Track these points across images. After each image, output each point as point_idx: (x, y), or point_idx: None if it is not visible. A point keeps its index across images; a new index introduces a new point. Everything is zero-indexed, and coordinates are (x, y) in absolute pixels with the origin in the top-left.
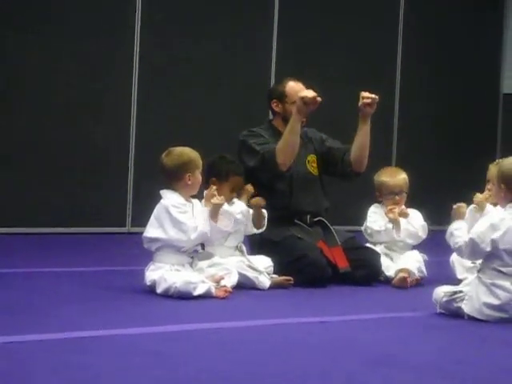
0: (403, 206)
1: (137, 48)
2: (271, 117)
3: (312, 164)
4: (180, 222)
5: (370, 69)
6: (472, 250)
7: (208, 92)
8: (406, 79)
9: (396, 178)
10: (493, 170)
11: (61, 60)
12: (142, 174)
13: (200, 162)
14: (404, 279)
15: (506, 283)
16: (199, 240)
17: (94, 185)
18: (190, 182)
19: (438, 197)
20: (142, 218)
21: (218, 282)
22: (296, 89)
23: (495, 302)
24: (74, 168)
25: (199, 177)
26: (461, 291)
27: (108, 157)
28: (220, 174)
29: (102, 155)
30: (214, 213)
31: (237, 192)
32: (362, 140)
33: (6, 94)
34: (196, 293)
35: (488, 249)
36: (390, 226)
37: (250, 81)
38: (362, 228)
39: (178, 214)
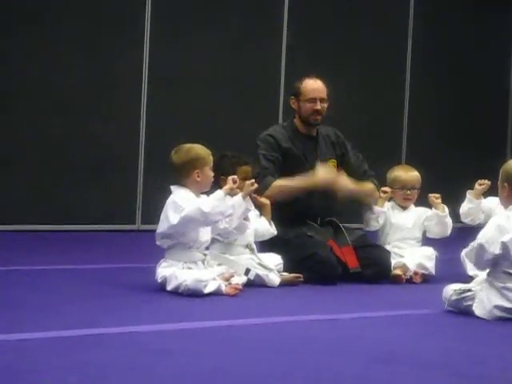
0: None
1: (147, 46)
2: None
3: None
4: (180, 207)
5: (380, 68)
6: (478, 254)
7: (218, 90)
8: (415, 79)
9: (409, 173)
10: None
11: (69, 58)
12: (152, 172)
13: (210, 159)
14: (397, 277)
15: None
16: (193, 217)
17: (104, 182)
18: (199, 179)
19: (448, 195)
20: (151, 216)
21: (228, 279)
22: (311, 87)
23: (507, 304)
24: (85, 166)
25: (210, 173)
26: (470, 290)
27: (118, 154)
28: (227, 171)
29: (111, 153)
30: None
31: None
32: None
33: (12, 93)
34: (206, 291)
35: (497, 251)
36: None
37: (261, 79)
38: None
39: (181, 200)
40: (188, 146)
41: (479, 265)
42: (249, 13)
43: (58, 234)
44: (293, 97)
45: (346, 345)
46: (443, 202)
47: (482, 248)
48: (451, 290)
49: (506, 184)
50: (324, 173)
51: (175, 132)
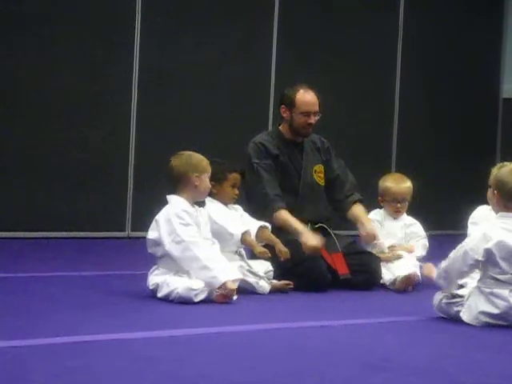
0: (399, 252)
1: (137, 51)
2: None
3: (319, 174)
4: (177, 234)
5: (370, 75)
6: (462, 259)
7: (208, 96)
8: (405, 85)
9: (401, 185)
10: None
11: (59, 63)
12: (142, 179)
13: (209, 168)
14: (408, 278)
15: (504, 291)
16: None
17: (94, 189)
18: (197, 183)
19: (438, 201)
20: (141, 223)
21: (232, 294)
22: (305, 100)
23: (494, 311)
24: (74, 172)
25: (207, 182)
26: (460, 296)
27: (108, 161)
28: (217, 177)
29: (101, 159)
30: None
31: (238, 186)
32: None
33: (3, 97)
34: (197, 299)
35: (480, 258)
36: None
37: (250, 85)
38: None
39: (179, 225)
40: (188, 152)
41: (460, 273)
42: (239, 21)
43: (47, 240)
44: (284, 106)
45: (336, 351)
46: (431, 208)
47: (465, 254)
48: (441, 295)
49: (495, 191)
50: (311, 240)
51: (165, 139)
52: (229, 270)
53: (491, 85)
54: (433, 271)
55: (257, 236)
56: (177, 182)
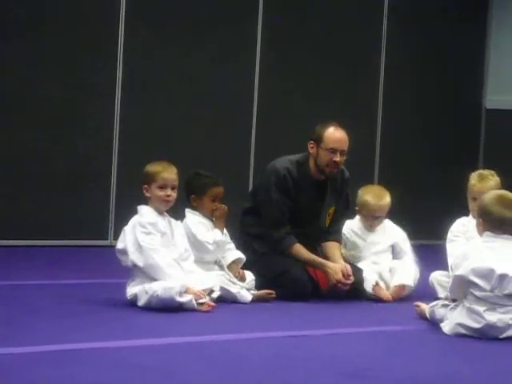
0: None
1: (120, 58)
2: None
3: (329, 217)
4: (138, 242)
5: (354, 82)
6: (453, 284)
7: (192, 103)
8: (389, 94)
9: (380, 202)
10: (472, 181)
11: (43, 70)
12: (125, 187)
13: (159, 177)
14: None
15: (480, 309)
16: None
17: (76, 197)
18: (148, 195)
19: (420, 211)
20: None
21: (200, 298)
22: (335, 137)
23: (470, 324)
24: (57, 180)
25: (156, 192)
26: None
27: (90, 169)
28: (197, 190)
29: (84, 167)
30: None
31: (218, 201)
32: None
33: None
34: (180, 298)
35: (464, 273)
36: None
37: (234, 91)
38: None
39: (141, 233)
40: (152, 162)
41: (457, 289)
42: (224, 29)
43: (29, 248)
44: (312, 142)
45: (317, 361)
46: (413, 217)
47: (460, 280)
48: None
49: (481, 219)
50: (337, 271)
51: (149, 147)
52: (202, 279)
53: (474, 96)
54: (425, 311)
55: (228, 267)
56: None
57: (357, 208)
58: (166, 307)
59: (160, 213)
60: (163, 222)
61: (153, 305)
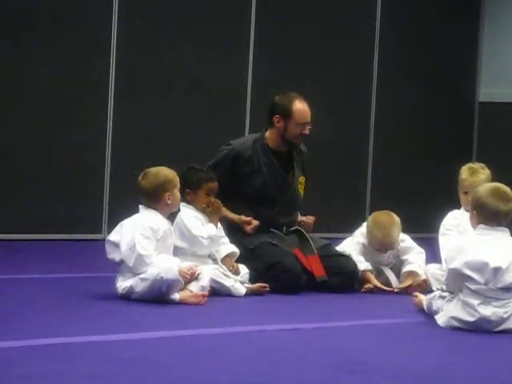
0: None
1: (113, 52)
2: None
3: (301, 186)
4: (134, 243)
5: (346, 77)
6: (449, 277)
7: (184, 97)
8: (382, 86)
9: (387, 238)
10: (463, 175)
11: (36, 63)
12: (119, 181)
13: (177, 180)
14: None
15: (475, 302)
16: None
17: (71, 191)
18: (169, 202)
19: (413, 204)
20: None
21: (185, 278)
22: (304, 111)
23: (464, 317)
24: (50, 173)
25: (178, 195)
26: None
27: (84, 163)
28: (192, 184)
29: (77, 161)
30: None
31: (213, 195)
32: None
33: None
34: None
35: (458, 266)
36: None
37: (227, 86)
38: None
39: (139, 235)
40: (155, 169)
41: (453, 282)
42: (216, 23)
43: (22, 242)
44: (278, 116)
45: (310, 354)
46: (406, 211)
47: (455, 273)
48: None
49: (474, 212)
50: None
51: (142, 141)
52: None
53: (467, 89)
54: (422, 303)
55: (222, 261)
56: (148, 200)
57: (367, 239)
58: (170, 289)
59: (165, 216)
60: (165, 227)
61: (156, 288)
